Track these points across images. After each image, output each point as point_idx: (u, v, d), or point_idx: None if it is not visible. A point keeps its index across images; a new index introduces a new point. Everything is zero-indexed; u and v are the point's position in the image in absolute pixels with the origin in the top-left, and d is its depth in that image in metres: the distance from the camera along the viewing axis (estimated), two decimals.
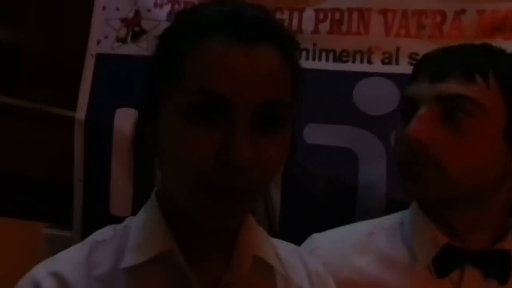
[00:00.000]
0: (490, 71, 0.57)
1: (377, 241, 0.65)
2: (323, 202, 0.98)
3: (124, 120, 1.05)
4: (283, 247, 0.52)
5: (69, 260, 0.43)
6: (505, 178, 0.60)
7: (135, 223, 0.46)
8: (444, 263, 0.60)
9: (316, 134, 1.01)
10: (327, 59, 1.09)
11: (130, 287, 0.42)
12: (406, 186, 0.61)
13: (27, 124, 1.17)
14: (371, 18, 1.08)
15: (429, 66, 0.61)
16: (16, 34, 1.27)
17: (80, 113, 1.10)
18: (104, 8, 1.19)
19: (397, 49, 1.05)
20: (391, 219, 0.69)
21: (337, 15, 1.10)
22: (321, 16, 1.11)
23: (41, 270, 0.42)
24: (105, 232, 0.46)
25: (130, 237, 0.44)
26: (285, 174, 0.97)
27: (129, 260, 0.42)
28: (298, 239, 0.64)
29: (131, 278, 0.42)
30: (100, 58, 1.16)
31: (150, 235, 0.43)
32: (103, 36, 1.18)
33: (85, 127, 1.09)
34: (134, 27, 1.19)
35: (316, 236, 0.69)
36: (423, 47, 0.90)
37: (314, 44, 1.10)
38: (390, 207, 0.86)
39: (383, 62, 1.06)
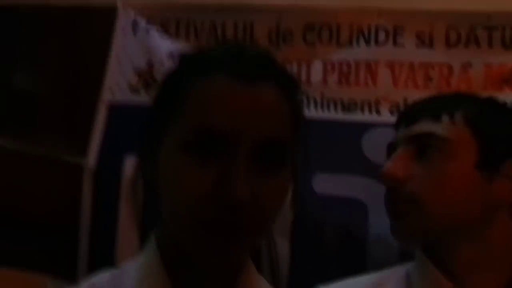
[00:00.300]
0: (456, 110, 0.62)
1: None
2: (332, 254, 0.96)
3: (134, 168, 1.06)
4: None
5: None
6: (492, 210, 0.60)
7: (133, 267, 0.45)
8: None
9: (326, 184, 1.00)
10: (335, 109, 1.10)
11: None
12: (392, 225, 0.63)
13: (37, 170, 1.18)
14: (378, 70, 1.10)
15: (406, 113, 0.68)
16: (32, 82, 1.31)
17: (90, 161, 1.11)
18: (119, 58, 1.23)
19: (405, 100, 1.06)
20: (397, 271, 0.69)
21: (344, 67, 1.12)
22: (329, 67, 1.13)
23: None
24: (103, 276, 0.46)
25: (127, 281, 0.44)
26: (294, 225, 0.95)
27: None
28: None
29: None
30: (113, 107, 1.19)
31: (146, 278, 0.43)
32: (116, 85, 1.21)
33: (94, 174, 1.10)
34: (146, 77, 1.22)
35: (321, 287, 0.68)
36: None
37: (322, 94, 1.12)
38: (403, 259, 0.83)
39: (391, 112, 1.06)
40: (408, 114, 0.66)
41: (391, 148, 0.66)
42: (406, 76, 1.09)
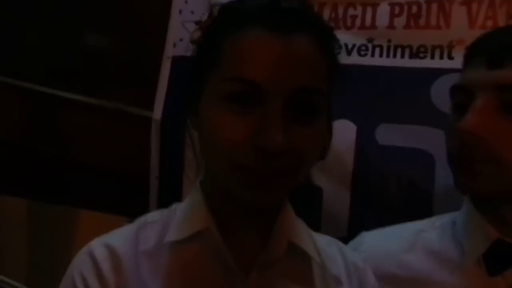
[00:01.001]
0: None
1: (426, 238, 0.64)
2: (395, 208, 0.93)
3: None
4: (322, 239, 0.54)
5: (120, 235, 0.48)
6: None
7: (180, 206, 0.51)
8: (496, 260, 0.56)
9: (390, 134, 0.96)
10: (402, 56, 1.03)
11: (172, 260, 0.46)
12: (461, 181, 0.59)
13: (108, 122, 1.26)
14: (452, 10, 1.01)
15: (488, 50, 0.56)
16: (100, 40, 1.37)
17: (157, 113, 1.16)
18: (180, 11, 1.24)
19: None
20: (443, 218, 0.67)
21: (414, 9, 1.04)
22: (397, 10, 1.05)
23: (96, 242, 0.48)
24: (155, 215, 0.51)
25: (174, 218, 0.48)
26: (355, 176, 0.93)
27: (171, 236, 0.46)
28: None
29: (173, 252, 0.46)
30: (176, 60, 1.21)
31: (191, 215, 0.47)
32: (179, 39, 1.23)
33: (161, 126, 1.15)
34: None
35: (364, 234, 0.70)
36: None
37: (389, 40, 1.05)
38: None
39: None
40: (492, 52, 0.56)
41: (461, 91, 0.59)
42: (484, 15, 0.98)
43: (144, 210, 1.23)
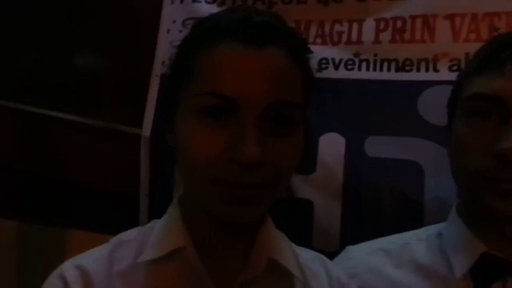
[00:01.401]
0: None
1: (412, 252, 0.62)
2: (387, 219, 0.93)
3: None
4: (305, 255, 0.52)
5: (93, 255, 0.47)
6: None
7: (157, 225, 0.49)
8: (483, 274, 0.55)
9: (378, 147, 0.97)
10: (388, 69, 1.05)
11: (147, 280, 0.44)
12: (491, 202, 0.54)
13: (98, 141, 1.25)
14: (436, 24, 1.03)
15: None
16: (90, 59, 1.38)
17: (146, 130, 1.16)
18: (168, 31, 1.25)
19: (467, 55, 0.98)
20: (429, 230, 0.66)
21: (399, 23, 1.06)
22: (382, 25, 1.07)
23: (67, 264, 0.46)
24: (130, 233, 0.51)
25: (151, 236, 0.47)
26: (345, 188, 0.93)
27: (146, 255, 0.45)
28: None
29: (148, 272, 0.45)
30: (165, 78, 1.22)
31: (168, 234, 0.47)
32: (167, 57, 1.23)
33: (150, 143, 1.15)
34: None
35: (350, 248, 0.68)
36: None
37: (375, 55, 1.07)
38: None
39: (450, 70, 0.99)
40: None
41: (489, 101, 0.52)
42: (468, 28, 1.00)
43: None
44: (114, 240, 0.50)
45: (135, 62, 1.33)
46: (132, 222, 1.18)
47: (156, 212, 1.18)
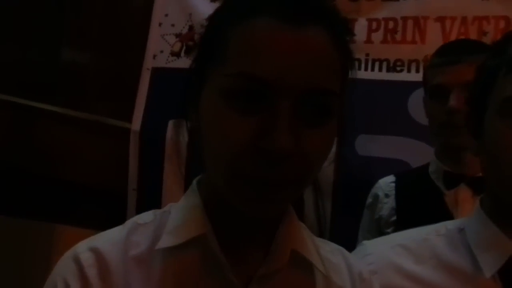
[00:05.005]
0: None
1: (433, 247, 0.60)
2: None
3: (177, 130, 1.08)
4: (326, 247, 0.49)
5: (109, 238, 0.44)
6: None
7: (175, 209, 0.46)
8: None
9: (368, 145, 0.98)
10: (380, 69, 1.06)
11: (165, 268, 0.42)
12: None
13: (86, 134, 1.23)
14: (427, 26, 1.04)
15: None
16: (79, 54, 1.36)
17: (136, 124, 1.15)
18: (160, 24, 1.24)
19: None
20: (448, 225, 0.63)
21: (390, 24, 1.07)
22: (374, 25, 1.08)
23: (83, 246, 0.43)
24: (146, 216, 0.46)
25: (168, 221, 0.44)
26: (336, 186, 0.94)
27: (165, 242, 0.42)
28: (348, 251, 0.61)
29: (166, 259, 0.42)
30: (156, 72, 1.21)
31: (187, 220, 0.43)
32: (159, 51, 1.22)
33: (139, 137, 1.14)
34: (188, 42, 1.23)
35: (366, 243, 0.65)
36: None
37: (367, 54, 1.08)
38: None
39: None
40: None
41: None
42: (457, 31, 1.02)
43: (122, 223, 1.21)
44: (129, 223, 0.46)
45: (124, 55, 1.32)
46: (119, 216, 1.17)
47: (143, 207, 1.17)
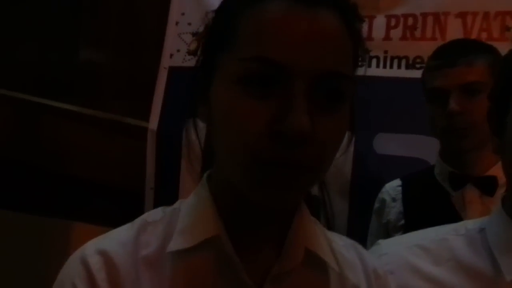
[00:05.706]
0: None
1: (452, 248, 0.58)
2: None
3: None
4: (339, 242, 0.48)
5: (117, 239, 0.42)
6: None
7: (184, 206, 0.44)
8: None
9: (387, 144, 0.96)
10: (399, 67, 1.04)
11: (176, 270, 0.40)
12: None
13: (104, 133, 1.25)
14: (448, 22, 1.02)
15: None
16: (97, 54, 1.37)
17: (153, 123, 1.16)
18: (177, 23, 1.24)
19: None
20: (468, 224, 0.61)
21: (410, 21, 1.05)
22: (393, 22, 1.06)
23: (90, 248, 0.42)
24: (155, 214, 0.45)
25: (179, 219, 0.42)
26: (353, 185, 0.93)
27: (176, 244, 0.41)
28: None
29: (178, 261, 0.41)
30: (172, 71, 1.21)
31: (199, 219, 0.41)
32: (176, 50, 1.23)
33: (157, 136, 1.14)
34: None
35: (382, 242, 0.63)
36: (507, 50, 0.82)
37: (385, 52, 1.06)
38: None
39: None
40: None
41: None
42: (479, 27, 1.00)
43: None
44: (138, 221, 0.45)
45: (141, 54, 1.32)
46: (136, 215, 1.18)
47: (161, 206, 1.18)
